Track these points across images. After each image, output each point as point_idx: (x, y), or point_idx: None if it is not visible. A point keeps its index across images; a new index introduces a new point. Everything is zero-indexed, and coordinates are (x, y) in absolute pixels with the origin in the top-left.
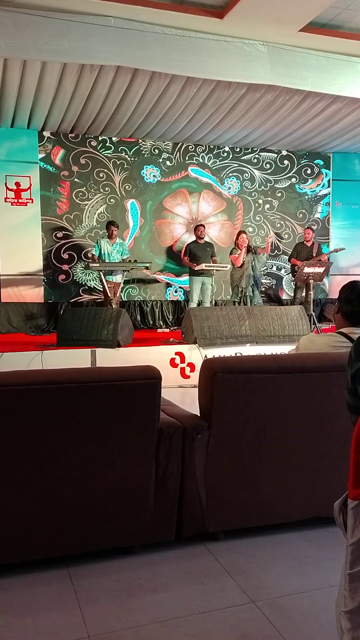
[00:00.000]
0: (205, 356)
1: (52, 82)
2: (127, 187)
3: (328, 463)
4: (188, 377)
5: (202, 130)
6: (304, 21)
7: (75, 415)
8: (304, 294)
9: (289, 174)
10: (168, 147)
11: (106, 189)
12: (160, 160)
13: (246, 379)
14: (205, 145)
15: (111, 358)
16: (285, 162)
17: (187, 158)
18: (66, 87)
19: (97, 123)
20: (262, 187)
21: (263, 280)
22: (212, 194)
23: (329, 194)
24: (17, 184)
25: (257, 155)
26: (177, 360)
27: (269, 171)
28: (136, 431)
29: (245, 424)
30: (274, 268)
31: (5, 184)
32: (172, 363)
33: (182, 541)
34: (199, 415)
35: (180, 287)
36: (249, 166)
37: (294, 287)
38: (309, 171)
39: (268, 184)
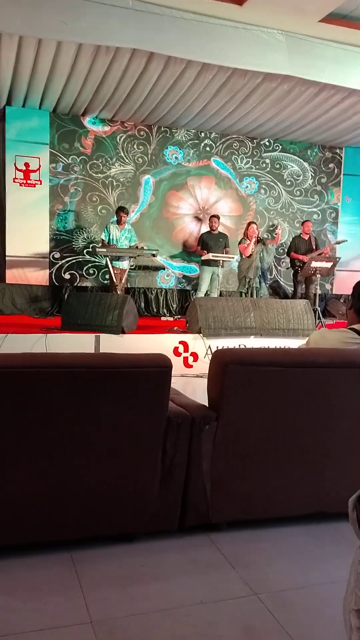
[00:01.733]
0: (209, 346)
1: (67, 63)
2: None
3: (334, 459)
4: (191, 366)
5: (215, 119)
6: (325, 12)
7: (84, 400)
8: (304, 289)
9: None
10: (189, 134)
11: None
12: (183, 145)
13: (257, 372)
14: (226, 138)
15: (115, 344)
16: (304, 165)
17: (207, 148)
18: (80, 69)
19: (109, 106)
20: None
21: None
22: (230, 191)
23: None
24: (27, 164)
25: (276, 154)
26: (181, 349)
27: (287, 175)
28: (145, 419)
29: (253, 417)
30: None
31: (15, 164)
32: (176, 352)
33: (185, 530)
34: (206, 405)
35: (173, 273)
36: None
37: (293, 281)
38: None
39: (288, 184)
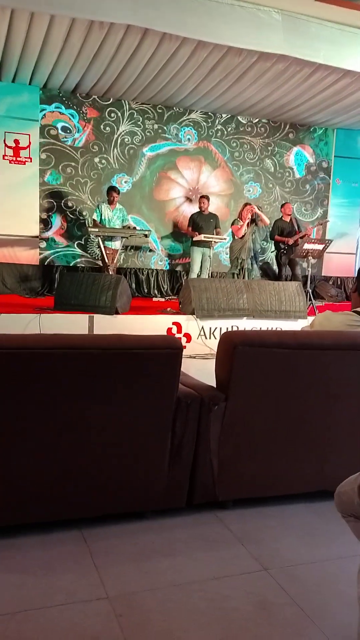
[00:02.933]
0: (202, 327)
1: (59, 38)
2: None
3: (338, 439)
4: (184, 347)
5: (208, 98)
6: None
7: (96, 381)
8: (289, 270)
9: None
10: (180, 112)
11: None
12: (175, 123)
13: (266, 353)
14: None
15: (109, 325)
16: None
17: (207, 130)
18: (73, 44)
19: (101, 83)
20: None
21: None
22: (211, 162)
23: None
24: (16, 141)
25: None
26: (174, 330)
27: (264, 135)
28: (155, 399)
29: (261, 398)
30: None
31: (4, 140)
32: (169, 332)
33: (193, 508)
34: (214, 386)
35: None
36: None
37: (277, 263)
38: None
39: (267, 147)
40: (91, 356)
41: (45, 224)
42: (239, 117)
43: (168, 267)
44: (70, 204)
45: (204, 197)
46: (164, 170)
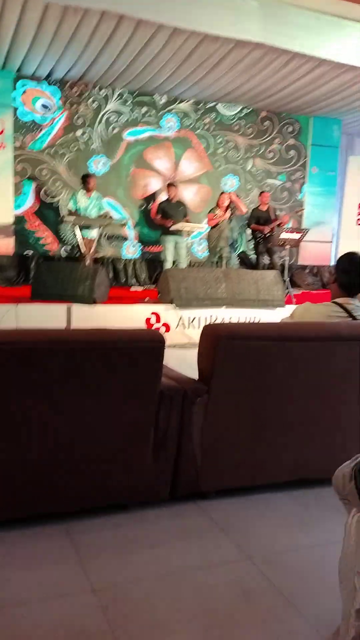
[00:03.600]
0: (181, 317)
1: (33, 22)
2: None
3: (319, 428)
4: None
5: (184, 85)
6: None
7: (79, 375)
8: (267, 259)
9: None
10: (139, 99)
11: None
12: (133, 113)
13: (248, 345)
14: (178, 99)
15: (87, 315)
16: (266, 123)
17: (160, 112)
18: (47, 29)
19: (76, 68)
20: (246, 153)
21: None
22: (192, 151)
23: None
24: None
25: (240, 120)
26: (153, 320)
27: (251, 136)
28: (139, 392)
29: (243, 389)
30: None
31: None
32: (148, 322)
33: (175, 499)
34: (196, 379)
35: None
36: (227, 125)
37: (255, 252)
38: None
39: (253, 149)
40: (74, 351)
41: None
42: (223, 111)
43: (140, 254)
44: (45, 191)
45: (172, 185)
46: (142, 155)
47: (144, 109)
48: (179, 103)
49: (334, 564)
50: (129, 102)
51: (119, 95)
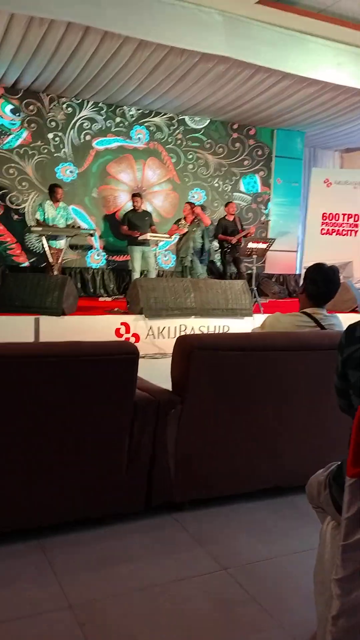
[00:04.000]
0: (151, 327)
1: None
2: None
3: (290, 435)
4: None
5: (151, 96)
6: None
7: (54, 388)
8: (233, 268)
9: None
10: (110, 110)
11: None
12: (105, 122)
13: (221, 356)
14: (152, 112)
15: (56, 327)
16: (237, 144)
17: (131, 124)
18: (12, 40)
19: (41, 79)
20: (215, 171)
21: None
22: (158, 162)
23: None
24: None
25: (205, 134)
26: (123, 330)
27: (221, 155)
28: (112, 405)
29: (216, 399)
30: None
31: None
32: (118, 333)
33: (150, 511)
34: (170, 390)
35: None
36: (198, 142)
37: (222, 262)
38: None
39: (221, 168)
40: (47, 364)
41: None
42: (192, 125)
43: (105, 262)
44: (10, 198)
45: (137, 195)
46: (110, 165)
47: (118, 119)
48: (153, 116)
49: (309, 572)
50: (103, 110)
51: (93, 104)
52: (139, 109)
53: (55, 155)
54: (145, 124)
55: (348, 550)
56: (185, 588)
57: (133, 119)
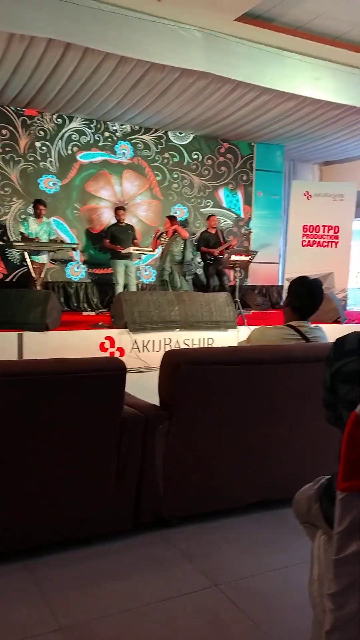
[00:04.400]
0: (135, 341)
1: None
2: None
3: (277, 449)
4: None
5: (132, 111)
6: (240, 10)
7: (38, 407)
8: (216, 280)
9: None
10: (85, 124)
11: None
12: (79, 139)
13: (207, 371)
14: (130, 127)
15: (40, 342)
16: (222, 165)
17: (106, 139)
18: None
19: (22, 95)
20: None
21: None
22: (135, 174)
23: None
24: None
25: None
26: (107, 344)
27: (204, 174)
28: (100, 422)
29: (204, 414)
30: None
31: None
32: (102, 347)
33: (138, 528)
34: (157, 405)
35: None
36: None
37: (205, 274)
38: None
39: (205, 188)
40: (33, 382)
41: None
42: (161, 131)
43: (85, 275)
44: None
45: (120, 209)
46: (88, 184)
47: (107, 134)
48: (142, 134)
49: (299, 586)
50: (93, 124)
51: (83, 118)
52: (122, 125)
53: (41, 164)
54: (134, 141)
55: (340, 564)
56: (176, 606)
57: (120, 134)
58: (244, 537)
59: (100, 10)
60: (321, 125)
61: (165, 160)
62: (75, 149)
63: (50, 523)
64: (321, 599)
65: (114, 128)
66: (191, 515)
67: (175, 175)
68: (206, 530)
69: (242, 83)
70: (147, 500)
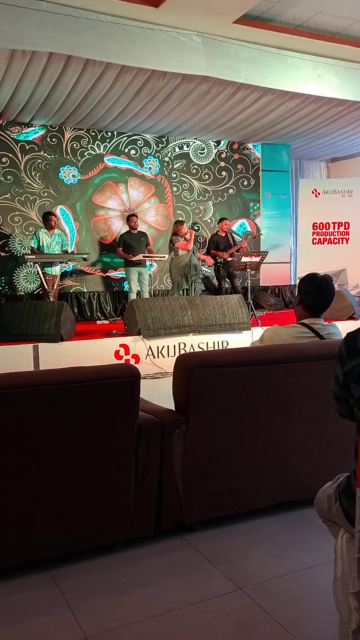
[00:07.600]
0: (150, 347)
1: None
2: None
3: (295, 448)
4: None
5: (135, 120)
6: (238, 13)
7: (56, 416)
8: (228, 283)
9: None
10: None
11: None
12: (78, 156)
13: (221, 373)
14: (127, 134)
15: (55, 353)
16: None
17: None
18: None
19: (27, 109)
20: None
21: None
22: (138, 180)
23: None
24: None
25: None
26: (122, 352)
27: (206, 179)
28: (117, 429)
29: (220, 416)
30: None
31: None
32: (117, 355)
33: (161, 534)
34: (173, 410)
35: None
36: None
37: (216, 277)
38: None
39: (208, 191)
40: (50, 391)
41: None
42: (165, 138)
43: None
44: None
45: (133, 216)
46: (95, 196)
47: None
48: (164, 147)
49: (326, 586)
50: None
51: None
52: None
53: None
54: (157, 156)
55: None
56: (202, 611)
57: (148, 150)
58: (267, 539)
59: (99, 22)
60: (325, 122)
61: (180, 173)
62: (94, 152)
63: (72, 532)
64: (346, 598)
65: (146, 142)
66: (213, 518)
67: (186, 186)
68: (228, 533)
69: (244, 85)
70: (168, 505)
